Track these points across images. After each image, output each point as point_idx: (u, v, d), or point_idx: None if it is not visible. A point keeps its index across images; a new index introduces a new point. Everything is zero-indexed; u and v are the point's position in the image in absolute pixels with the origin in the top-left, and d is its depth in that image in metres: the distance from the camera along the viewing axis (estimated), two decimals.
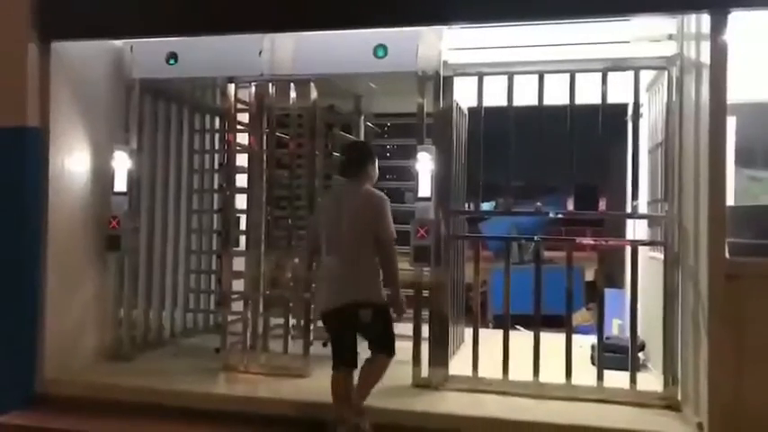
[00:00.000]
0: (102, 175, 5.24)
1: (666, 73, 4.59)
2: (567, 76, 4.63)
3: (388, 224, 3.99)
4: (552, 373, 4.60)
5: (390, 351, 4.02)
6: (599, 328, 4.74)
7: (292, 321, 5.20)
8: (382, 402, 4.37)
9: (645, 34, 4.73)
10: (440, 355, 4.77)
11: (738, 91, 4.04)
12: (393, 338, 4.04)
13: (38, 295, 4.80)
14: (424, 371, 4.74)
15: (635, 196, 4.75)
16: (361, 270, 3.94)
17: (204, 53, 5.16)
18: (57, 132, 4.90)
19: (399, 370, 4.67)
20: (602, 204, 4.73)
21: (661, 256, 4.65)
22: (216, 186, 6.49)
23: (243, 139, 5.48)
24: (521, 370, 4.64)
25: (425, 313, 4.84)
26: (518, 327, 5.61)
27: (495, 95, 4.78)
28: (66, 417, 4.46)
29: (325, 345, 5.42)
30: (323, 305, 4.08)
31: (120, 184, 5.21)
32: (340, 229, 3.98)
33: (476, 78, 4.79)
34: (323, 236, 4.10)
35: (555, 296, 4.96)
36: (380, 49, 4.78)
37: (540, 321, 4.70)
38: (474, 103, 4.90)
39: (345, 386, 3.99)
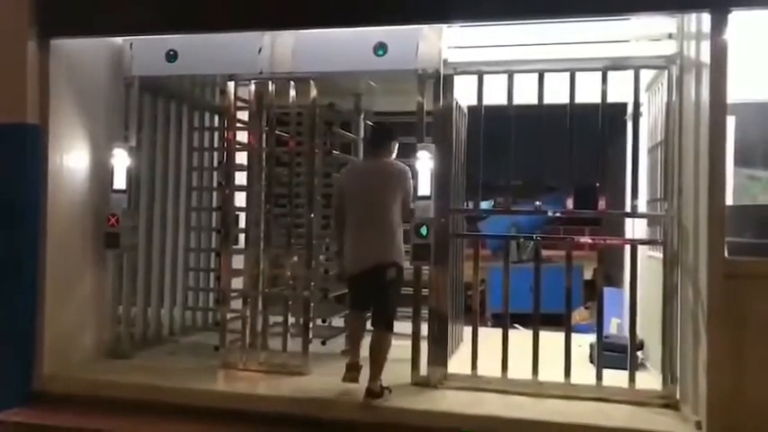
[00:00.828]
0: (102, 172, 5.23)
1: (666, 72, 4.59)
2: (567, 74, 4.63)
3: (410, 189, 4.52)
4: (551, 371, 4.61)
5: (391, 327, 4.42)
6: (598, 327, 4.74)
7: (291, 319, 5.20)
8: (381, 401, 4.38)
9: (645, 33, 4.75)
10: (439, 353, 4.77)
11: (738, 90, 4.04)
12: (395, 313, 4.52)
13: (36, 292, 4.79)
14: (423, 369, 4.74)
15: (634, 195, 4.75)
16: (387, 235, 4.39)
17: (204, 51, 5.15)
18: (56, 129, 4.89)
19: (398, 368, 4.68)
20: (602, 203, 4.72)
21: (660, 255, 4.66)
22: (215, 184, 6.48)
23: (242, 136, 5.48)
24: (520, 368, 4.65)
25: (425, 312, 4.84)
26: (516, 325, 5.61)
27: (495, 94, 4.78)
28: (65, 414, 4.46)
29: (324, 343, 5.45)
30: (351, 268, 4.50)
31: (120, 182, 5.19)
32: (367, 197, 4.47)
33: (476, 77, 4.79)
34: (348, 204, 4.53)
35: (553, 295, 4.97)
36: (380, 48, 4.77)
37: (538, 320, 4.70)
38: (474, 102, 4.90)
39: (360, 326, 4.62)
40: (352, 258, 4.48)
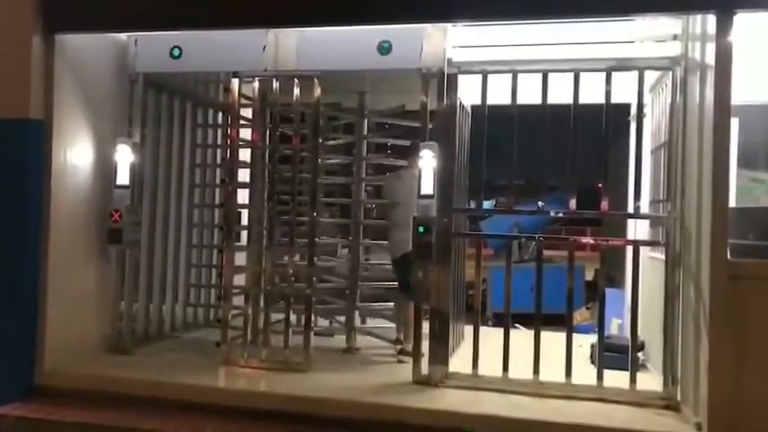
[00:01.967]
0: (105, 168, 5.24)
1: (671, 73, 4.59)
2: (571, 75, 4.63)
3: None
4: (552, 371, 4.61)
5: (411, 297, 5.04)
6: (599, 328, 4.74)
7: (293, 316, 5.21)
8: (382, 399, 4.40)
9: (650, 34, 4.73)
10: (440, 352, 4.77)
11: (742, 92, 4.04)
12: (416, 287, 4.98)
13: (39, 288, 4.80)
14: (425, 368, 4.74)
15: (637, 196, 4.75)
16: None
17: (208, 48, 5.16)
18: (59, 125, 4.90)
19: (399, 367, 4.69)
20: (604, 204, 4.72)
21: (662, 256, 4.66)
22: (218, 181, 6.49)
23: (246, 134, 5.48)
24: (520, 368, 4.65)
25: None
26: (517, 325, 5.62)
27: (498, 93, 4.77)
28: (66, 408, 4.47)
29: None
30: (395, 252, 5.45)
31: (123, 178, 5.20)
32: (406, 200, 5.16)
33: (480, 76, 4.79)
34: (392, 205, 5.48)
35: (554, 295, 4.97)
36: (385, 46, 4.78)
37: (540, 320, 4.70)
38: (477, 101, 4.90)
39: (407, 310, 5.24)
40: (396, 245, 5.37)
